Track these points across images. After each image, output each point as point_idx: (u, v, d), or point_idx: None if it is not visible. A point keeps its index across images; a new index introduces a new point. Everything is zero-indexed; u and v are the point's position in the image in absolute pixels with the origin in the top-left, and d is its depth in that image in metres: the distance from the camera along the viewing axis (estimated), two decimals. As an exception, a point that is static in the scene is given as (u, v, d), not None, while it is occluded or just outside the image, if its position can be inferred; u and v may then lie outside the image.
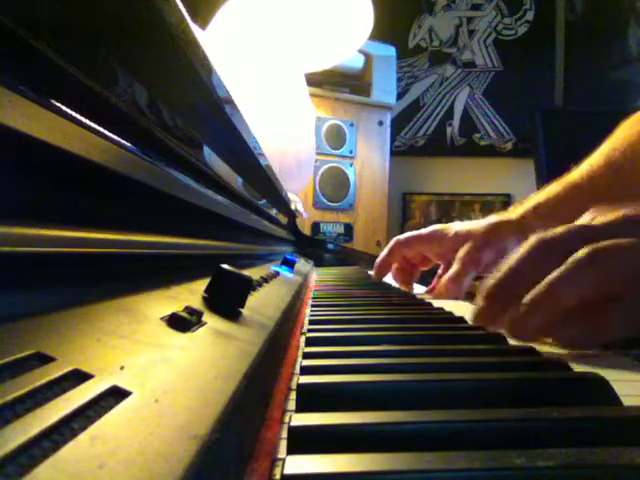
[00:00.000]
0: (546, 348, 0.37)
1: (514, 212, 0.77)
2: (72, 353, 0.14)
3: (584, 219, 0.41)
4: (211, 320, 0.24)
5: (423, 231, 0.82)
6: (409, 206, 2.83)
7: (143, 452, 0.11)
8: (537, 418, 0.19)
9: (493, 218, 0.78)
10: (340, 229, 2.27)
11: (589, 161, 0.77)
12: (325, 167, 2.23)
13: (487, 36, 2.81)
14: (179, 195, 0.36)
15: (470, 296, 0.66)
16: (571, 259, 0.35)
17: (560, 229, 0.38)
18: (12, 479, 0.09)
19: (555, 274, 0.35)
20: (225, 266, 0.28)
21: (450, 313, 0.51)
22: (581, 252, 0.35)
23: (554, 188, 0.77)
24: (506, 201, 2.79)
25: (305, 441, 0.17)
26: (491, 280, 0.41)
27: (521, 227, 0.72)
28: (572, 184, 0.76)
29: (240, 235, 0.67)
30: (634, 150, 0.72)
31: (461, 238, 0.76)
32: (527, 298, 0.36)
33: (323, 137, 2.21)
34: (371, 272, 1.32)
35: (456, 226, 0.79)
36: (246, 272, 0.29)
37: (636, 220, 0.37)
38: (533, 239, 0.39)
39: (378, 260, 0.86)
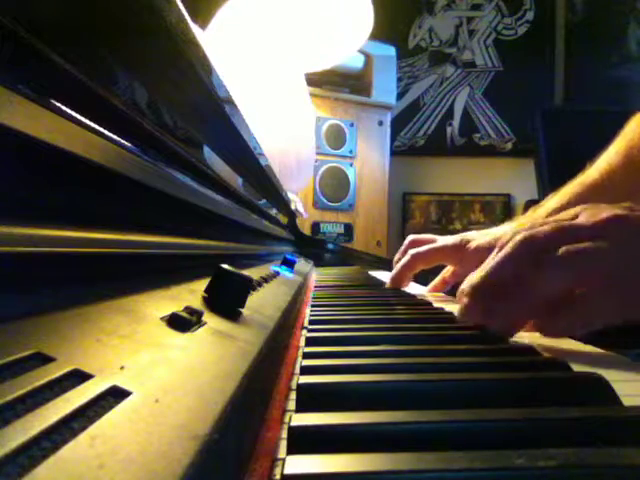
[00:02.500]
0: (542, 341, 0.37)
1: (537, 215, 0.76)
2: (72, 353, 0.14)
3: (569, 214, 0.43)
4: (211, 320, 0.24)
5: (443, 244, 0.78)
6: (409, 206, 2.83)
7: (143, 452, 0.11)
8: (537, 418, 0.19)
9: (514, 224, 0.76)
10: (340, 229, 2.27)
11: (606, 159, 0.76)
12: (325, 167, 2.23)
13: (487, 36, 2.81)
14: (179, 195, 0.36)
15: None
16: (547, 259, 0.38)
17: (545, 228, 0.40)
18: (12, 479, 0.09)
19: (531, 272, 0.38)
20: (225, 266, 0.28)
21: (450, 313, 0.51)
22: (553, 258, 0.38)
23: (574, 189, 0.76)
24: (506, 201, 2.79)
25: (305, 441, 0.17)
26: (476, 278, 0.42)
27: None
28: (592, 184, 0.75)
29: (240, 235, 0.67)
30: None
31: (485, 253, 0.72)
32: (507, 307, 0.39)
33: (323, 137, 2.21)
34: (373, 272, 1.32)
35: (477, 238, 0.74)
36: (246, 272, 0.29)
37: (618, 222, 0.39)
38: (518, 238, 0.41)
39: (394, 274, 0.81)
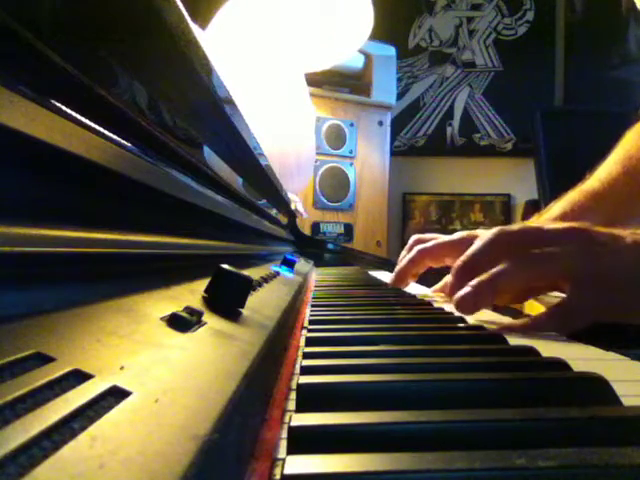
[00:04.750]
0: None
1: (540, 220, 0.77)
2: (72, 353, 0.14)
3: (539, 223, 0.53)
4: (211, 320, 0.24)
5: (449, 239, 0.76)
6: (409, 206, 2.83)
7: (143, 452, 0.11)
8: (537, 418, 0.19)
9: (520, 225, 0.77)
10: (340, 229, 2.27)
11: (606, 169, 0.78)
12: (325, 167, 2.23)
13: (487, 36, 2.81)
14: (179, 195, 0.36)
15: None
16: (514, 258, 0.46)
17: (516, 227, 0.51)
18: (12, 479, 0.09)
19: (497, 268, 0.46)
20: (225, 266, 0.28)
21: (450, 313, 0.51)
22: (524, 253, 0.46)
23: (576, 196, 0.78)
24: (506, 201, 2.79)
25: (305, 441, 0.17)
26: (458, 261, 0.53)
27: None
28: (593, 193, 0.77)
29: (240, 235, 0.67)
30: None
31: None
32: (473, 282, 0.48)
33: (323, 137, 2.21)
34: (373, 272, 1.32)
35: (485, 233, 0.76)
36: (246, 272, 0.29)
37: (577, 230, 0.47)
38: (495, 231, 0.51)
39: (398, 268, 0.80)
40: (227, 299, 0.29)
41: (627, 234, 0.46)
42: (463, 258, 0.52)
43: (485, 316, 0.53)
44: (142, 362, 0.16)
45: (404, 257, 0.82)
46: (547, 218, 0.78)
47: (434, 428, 0.18)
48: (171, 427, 0.13)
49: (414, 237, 0.85)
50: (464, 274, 0.50)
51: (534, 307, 0.76)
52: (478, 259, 0.50)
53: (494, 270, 0.47)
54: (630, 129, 0.79)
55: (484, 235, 0.51)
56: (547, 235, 0.47)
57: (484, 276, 0.47)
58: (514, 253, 0.47)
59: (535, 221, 0.80)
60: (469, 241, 0.75)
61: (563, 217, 0.76)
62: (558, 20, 2.77)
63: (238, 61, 1.39)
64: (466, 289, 0.49)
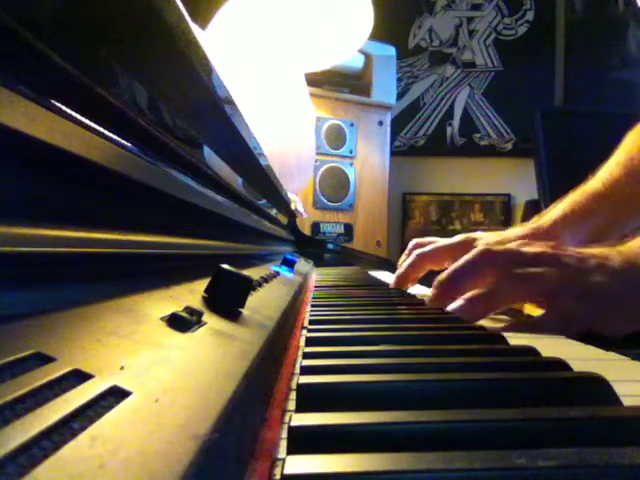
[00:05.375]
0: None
1: (542, 222, 0.78)
2: (72, 353, 0.14)
3: (516, 244, 0.56)
4: (211, 320, 0.24)
5: (448, 242, 0.77)
6: (409, 206, 2.82)
7: (143, 452, 0.11)
8: (537, 418, 0.19)
9: (521, 228, 0.78)
10: (340, 229, 2.27)
11: (607, 170, 0.78)
12: (325, 167, 2.23)
13: (487, 36, 2.81)
14: (179, 195, 0.36)
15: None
16: (502, 279, 0.51)
17: (501, 248, 0.54)
18: (12, 479, 0.09)
19: (487, 289, 0.51)
20: (225, 266, 0.28)
21: (450, 313, 0.51)
22: (511, 274, 0.50)
23: (577, 197, 0.78)
24: (506, 201, 2.79)
25: (305, 441, 0.17)
26: (443, 274, 0.56)
27: (552, 237, 0.73)
28: (595, 194, 0.77)
29: (240, 235, 0.67)
30: None
31: None
32: (466, 295, 0.51)
33: (323, 137, 2.20)
34: (373, 272, 1.32)
35: (484, 238, 0.75)
36: (246, 272, 0.29)
37: (555, 255, 0.51)
38: (479, 249, 0.54)
39: (399, 273, 0.80)
40: (227, 299, 0.29)
41: (615, 252, 0.51)
42: (448, 272, 0.55)
43: None
44: (142, 362, 0.16)
45: (404, 261, 0.82)
46: (547, 220, 0.78)
47: (434, 428, 0.18)
48: (171, 427, 0.13)
49: (413, 241, 0.85)
50: (447, 287, 0.54)
51: (534, 307, 0.76)
52: (462, 273, 0.54)
53: (485, 290, 0.51)
54: (631, 130, 0.79)
55: (467, 254, 0.55)
56: (529, 256, 0.51)
57: (476, 292, 0.51)
58: (500, 273, 0.51)
59: (539, 221, 0.80)
60: (468, 244, 0.76)
61: (563, 219, 0.76)
62: (558, 20, 2.77)
63: (238, 61, 1.39)
64: (459, 302, 0.51)
